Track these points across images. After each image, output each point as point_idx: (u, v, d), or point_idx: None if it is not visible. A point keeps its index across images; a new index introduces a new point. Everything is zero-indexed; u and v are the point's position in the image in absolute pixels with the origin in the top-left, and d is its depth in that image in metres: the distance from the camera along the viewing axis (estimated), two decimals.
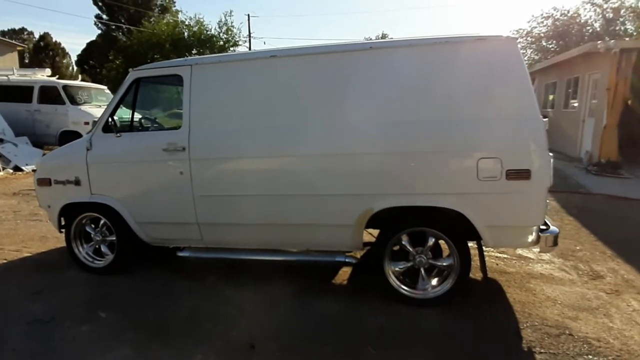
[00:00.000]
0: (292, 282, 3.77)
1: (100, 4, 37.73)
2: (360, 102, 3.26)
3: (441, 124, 3.11)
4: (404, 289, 3.38)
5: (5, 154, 9.54)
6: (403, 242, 3.37)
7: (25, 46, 35.40)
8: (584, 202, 6.99)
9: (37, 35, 43.59)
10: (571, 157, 11.47)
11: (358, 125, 3.26)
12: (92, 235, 4.11)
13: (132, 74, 3.80)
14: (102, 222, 4.03)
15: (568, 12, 25.19)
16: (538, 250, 3.42)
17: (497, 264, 4.25)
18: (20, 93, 11.09)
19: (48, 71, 12.83)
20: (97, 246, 4.11)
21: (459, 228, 3.21)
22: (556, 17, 25.22)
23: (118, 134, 3.79)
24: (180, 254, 3.84)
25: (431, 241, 3.33)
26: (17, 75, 11.69)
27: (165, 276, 3.98)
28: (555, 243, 3.16)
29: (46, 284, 3.80)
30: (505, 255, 4.48)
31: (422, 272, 3.37)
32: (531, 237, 3.14)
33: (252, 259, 3.78)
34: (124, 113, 3.98)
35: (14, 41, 30.14)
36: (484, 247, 3.45)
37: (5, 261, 4.36)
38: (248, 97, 3.50)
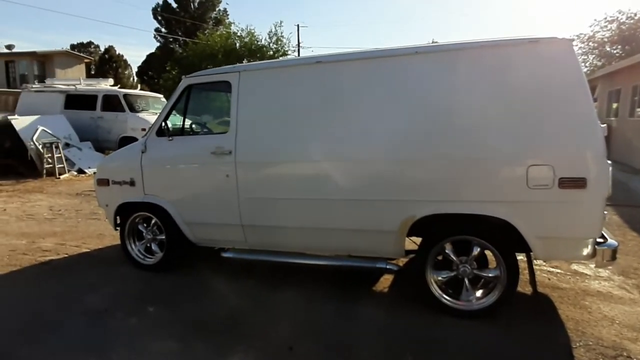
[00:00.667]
0: (333, 287, 3.77)
1: (159, 17, 39.98)
2: (405, 108, 3.23)
3: (490, 130, 3.01)
4: (447, 299, 3.27)
5: (70, 157, 10.28)
6: (447, 251, 3.27)
7: (92, 58, 38.15)
8: None
9: (102, 48, 46.76)
10: (636, 169, 10.68)
11: (403, 131, 3.22)
12: (144, 234, 4.33)
13: (185, 81, 3.99)
14: (153, 221, 4.23)
15: (635, 15, 23.64)
16: (594, 265, 3.20)
17: (549, 279, 4.02)
18: (86, 101, 11.92)
19: (111, 81, 13.74)
20: (148, 244, 4.32)
21: (506, 238, 3.08)
22: (621, 21, 23.75)
23: (170, 138, 3.99)
24: (224, 254, 3.96)
25: (476, 251, 3.21)
26: (84, 85, 12.59)
27: (210, 276, 4.11)
28: (613, 257, 2.95)
29: (101, 277, 4.03)
30: (559, 270, 4.23)
31: (466, 282, 3.26)
32: (586, 250, 2.96)
33: (294, 262, 3.82)
34: (177, 120, 4.18)
35: (82, 54, 32.61)
36: (533, 260, 3.29)
37: (66, 255, 4.68)
38: (293, 103, 3.57)
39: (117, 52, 44.75)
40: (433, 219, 3.18)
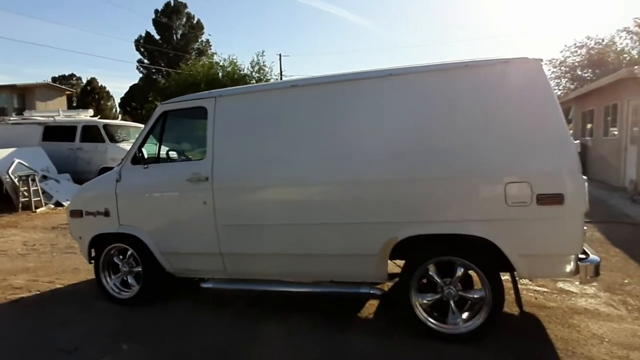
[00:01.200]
0: (317, 316, 3.65)
1: (142, 49, 40.29)
2: (381, 129, 3.23)
3: (466, 149, 3.01)
4: (433, 322, 3.18)
5: (47, 190, 10.02)
6: (430, 273, 3.20)
7: (74, 90, 37.96)
8: (631, 233, 6.54)
9: (84, 81, 46.66)
10: (614, 187, 10.88)
11: (380, 153, 3.21)
12: (119, 267, 4.16)
13: (160, 107, 3.94)
14: (129, 253, 4.08)
15: (602, 40, 24.68)
16: (578, 282, 3.17)
17: (535, 298, 3.97)
18: (65, 132, 11.74)
19: (91, 112, 13.61)
20: (124, 277, 4.15)
21: (489, 258, 3.04)
22: (590, 46, 24.73)
23: (145, 166, 3.90)
24: (203, 285, 3.81)
25: (460, 271, 3.15)
26: (63, 116, 12.44)
27: (189, 308, 3.95)
28: (596, 273, 2.92)
29: (73, 314, 3.84)
30: (545, 289, 4.19)
31: (452, 305, 3.18)
32: (569, 267, 2.93)
33: (275, 290, 3.71)
34: (153, 148, 4.09)
35: (63, 86, 32.47)
36: (518, 279, 3.25)
37: (38, 292, 4.46)
38: (270, 127, 3.54)
39: (99, 84, 44.70)
40: (415, 240, 3.13)
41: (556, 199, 2.83)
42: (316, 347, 3.13)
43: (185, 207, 3.77)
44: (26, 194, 9.26)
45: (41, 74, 77.58)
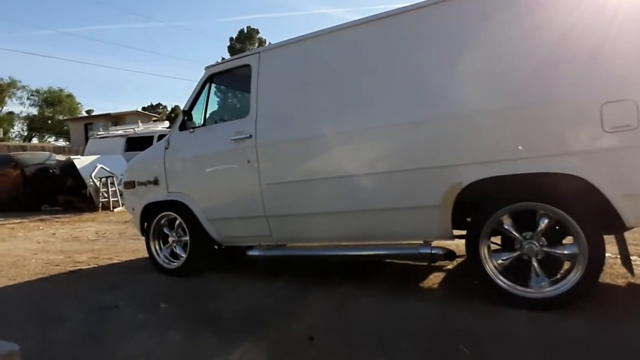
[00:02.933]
0: (370, 283, 3.22)
1: None
2: (432, 62, 2.80)
3: (544, 65, 2.46)
4: (511, 285, 2.59)
5: None
6: (506, 226, 2.64)
7: (160, 117, 41.23)
8: None
9: (169, 108, 50.61)
10: None
11: (432, 87, 2.76)
12: (169, 237, 4.06)
13: (207, 71, 3.83)
14: (177, 222, 3.96)
15: None
16: None
17: None
18: (144, 142, 12.47)
19: (166, 123, 14.43)
20: (173, 247, 4.03)
21: (583, 201, 2.41)
22: None
23: (192, 130, 3.78)
24: (249, 253, 3.55)
25: (544, 223, 2.54)
26: (142, 128, 13.31)
27: (236, 276, 3.74)
28: None
29: (123, 282, 3.76)
30: None
31: (535, 264, 2.57)
32: None
33: (324, 254, 3.34)
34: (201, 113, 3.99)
35: (151, 113, 35.45)
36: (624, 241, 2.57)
37: (96, 265, 4.51)
38: (315, 76, 3.26)
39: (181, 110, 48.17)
40: (486, 186, 2.60)
41: None
42: (367, 313, 2.69)
43: (229, 168, 3.57)
44: (106, 195, 9.87)
45: (133, 104, 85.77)
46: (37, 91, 41.30)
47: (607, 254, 2.69)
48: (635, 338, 2.15)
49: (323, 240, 3.36)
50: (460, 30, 2.74)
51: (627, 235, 2.85)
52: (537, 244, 2.56)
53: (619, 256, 2.79)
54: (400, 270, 3.56)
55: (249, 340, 2.34)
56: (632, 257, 3.26)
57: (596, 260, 2.41)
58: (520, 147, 2.47)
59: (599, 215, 2.40)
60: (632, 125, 2.23)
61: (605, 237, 2.46)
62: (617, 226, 2.42)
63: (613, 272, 3.10)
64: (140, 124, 13.72)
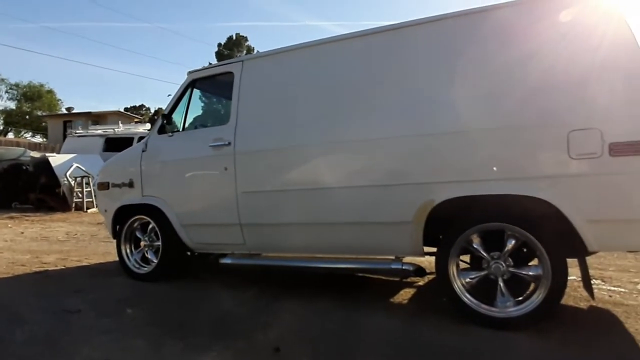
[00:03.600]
0: (342, 297, 3.23)
1: None
2: (413, 80, 2.86)
3: (516, 93, 2.55)
4: (477, 303, 2.64)
5: None
6: (475, 245, 2.70)
7: (142, 118, 40.69)
8: None
9: (152, 110, 50.00)
10: None
11: (411, 105, 2.82)
12: (140, 242, 3.99)
13: (189, 76, 3.82)
14: (150, 226, 3.91)
15: None
16: None
17: (610, 296, 3.27)
18: (123, 143, 12.28)
19: (148, 125, 14.26)
20: (145, 252, 3.97)
21: (548, 225, 2.49)
22: None
23: (170, 134, 3.76)
24: (222, 261, 3.53)
25: (511, 243, 2.61)
26: (122, 129, 13.12)
27: (207, 284, 3.68)
28: None
29: (90, 284, 3.68)
30: (622, 289, 3.46)
31: (501, 284, 2.63)
32: None
33: (298, 266, 3.34)
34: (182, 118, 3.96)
35: (133, 114, 34.99)
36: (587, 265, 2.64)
37: (63, 267, 4.40)
38: (296, 88, 3.30)
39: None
40: (455, 205, 2.66)
41: (636, 147, 2.27)
42: (336, 326, 2.70)
43: (206, 174, 3.56)
44: (80, 195, 9.65)
45: (115, 104, 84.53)
46: (17, 85, 40.30)
47: (571, 277, 2.80)
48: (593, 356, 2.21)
49: (297, 251, 3.36)
50: (434, 51, 2.82)
51: (591, 259, 2.95)
52: (503, 264, 2.62)
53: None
54: (373, 285, 3.58)
55: (215, 349, 2.32)
56: (595, 281, 3.39)
57: (559, 283, 2.48)
58: (494, 169, 2.54)
59: (563, 239, 2.48)
60: (597, 153, 2.33)
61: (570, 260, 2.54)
62: (580, 250, 2.49)
63: (577, 295, 3.18)
64: (120, 124, 13.53)
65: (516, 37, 2.63)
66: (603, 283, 3.58)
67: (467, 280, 2.72)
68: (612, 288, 3.49)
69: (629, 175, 2.29)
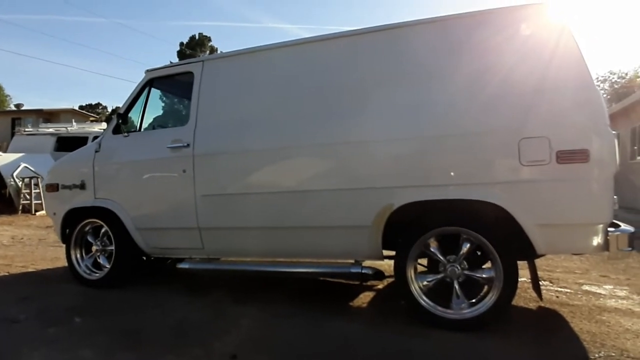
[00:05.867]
0: (301, 302, 3.21)
1: None
2: (373, 85, 2.90)
3: (471, 101, 2.64)
4: (433, 306, 2.69)
5: None
6: (432, 249, 2.76)
7: (98, 117, 39.08)
8: None
9: (109, 109, 48.12)
10: None
11: (372, 110, 2.86)
12: (92, 246, 3.82)
13: (147, 75, 3.70)
14: (103, 230, 3.74)
15: (626, 74, 24.28)
16: (608, 257, 2.65)
17: (557, 297, 3.42)
18: (77, 143, 11.70)
19: (104, 125, 13.70)
20: (97, 257, 3.80)
21: (500, 229, 2.58)
22: (613, 80, 24.34)
23: (126, 134, 3.62)
24: (180, 266, 3.42)
25: (466, 247, 2.69)
26: (76, 128, 12.54)
27: (163, 290, 3.56)
28: (630, 245, 2.43)
29: (36, 292, 3.48)
30: (568, 290, 3.64)
31: (456, 286, 2.70)
32: (596, 240, 2.45)
33: (257, 270, 3.30)
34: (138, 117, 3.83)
35: (88, 113, 33.51)
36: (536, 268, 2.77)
37: (7, 274, 4.14)
38: (256, 90, 3.26)
39: None
40: (413, 209, 2.71)
41: (580, 156, 2.39)
42: (293, 332, 2.67)
43: (163, 176, 3.45)
44: (28, 197, 9.13)
45: (70, 101, 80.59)
46: None
47: (522, 279, 2.90)
48: (541, 355, 2.31)
49: (256, 255, 3.32)
50: (389, 57, 2.87)
51: (540, 261, 3.08)
52: (459, 267, 2.70)
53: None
54: (332, 289, 3.59)
55: (169, 358, 2.24)
56: (543, 283, 3.54)
57: (510, 284, 2.58)
58: (451, 174, 2.61)
59: (514, 242, 2.58)
60: (545, 161, 2.44)
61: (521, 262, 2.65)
62: (530, 253, 2.60)
63: (526, 296, 3.32)
64: (74, 123, 12.92)
65: (471, 49, 2.72)
66: (551, 284, 3.76)
67: (425, 283, 2.77)
68: (559, 289, 3.66)
69: (573, 182, 2.42)
